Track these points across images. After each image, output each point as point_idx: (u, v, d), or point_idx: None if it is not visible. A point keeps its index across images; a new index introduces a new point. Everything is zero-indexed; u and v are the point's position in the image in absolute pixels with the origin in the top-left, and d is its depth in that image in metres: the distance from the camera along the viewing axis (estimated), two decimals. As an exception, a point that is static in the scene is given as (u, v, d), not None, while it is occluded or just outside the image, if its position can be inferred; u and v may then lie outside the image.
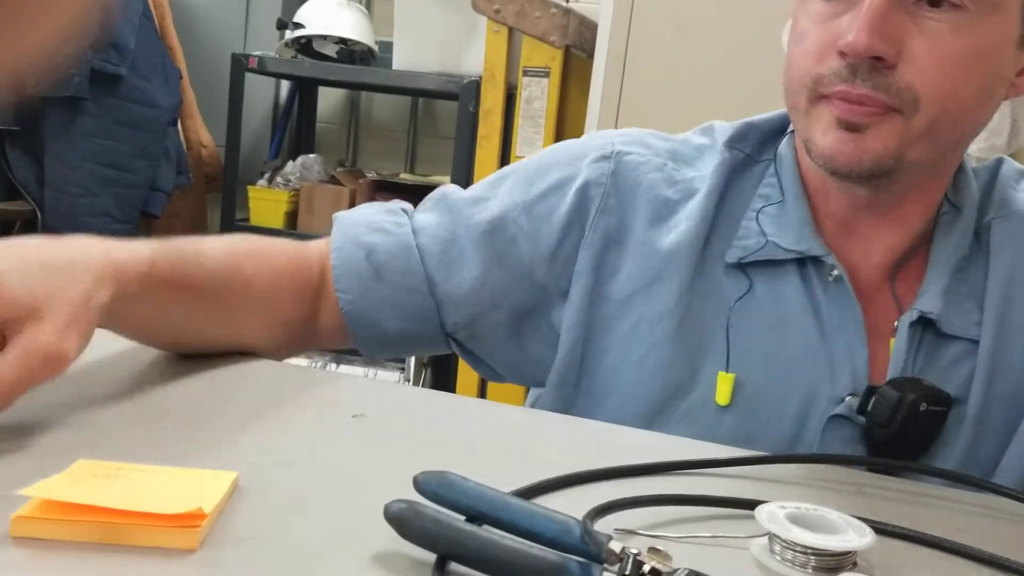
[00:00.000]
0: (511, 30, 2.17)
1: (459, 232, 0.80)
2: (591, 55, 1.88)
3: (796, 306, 0.75)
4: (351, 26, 2.67)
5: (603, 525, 0.47)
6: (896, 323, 0.74)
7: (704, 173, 0.79)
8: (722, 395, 0.73)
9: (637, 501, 0.52)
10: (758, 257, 0.76)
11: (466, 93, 2.37)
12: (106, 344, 0.78)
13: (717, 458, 0.62)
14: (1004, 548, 0.52)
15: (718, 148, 0.81)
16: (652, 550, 0.41)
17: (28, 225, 2.55)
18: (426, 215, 0.83)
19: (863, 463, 0.69)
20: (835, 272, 0.74)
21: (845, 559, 0.48)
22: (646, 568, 0.40)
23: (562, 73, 2.11)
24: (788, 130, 0.81)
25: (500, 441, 0.65)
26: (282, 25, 2.71)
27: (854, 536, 0.48)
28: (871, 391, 0.71)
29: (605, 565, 0.41)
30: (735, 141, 0.81)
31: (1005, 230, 0.77)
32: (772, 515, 0.49)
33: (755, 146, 0.82)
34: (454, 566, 0.43)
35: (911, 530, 0.54)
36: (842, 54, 0.68)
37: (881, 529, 0.52)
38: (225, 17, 2.98)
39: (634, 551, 0.41)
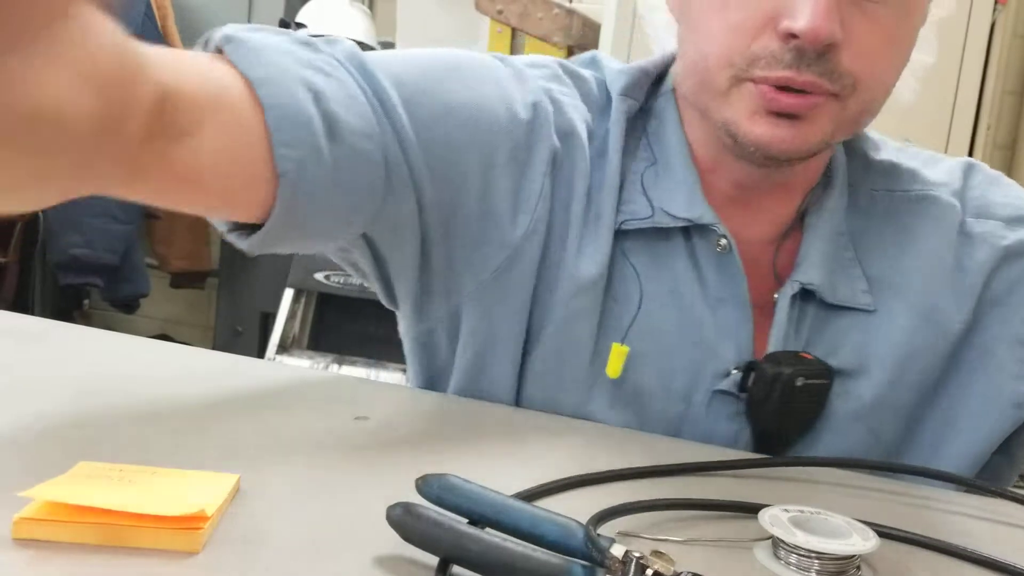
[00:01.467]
0: (514, 31, 2.17)
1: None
2: (594, 56, 1.88)
3: (683, 276, 0.71)
4: (353, 26, 2.67)
5: (606, 528, 0.47)
6: (776, 295, 0.71)
7: (608, 126, 0.73)
8: (613, 368, 0.70)
9: (640, 505, 0.51)
10: (646, 225, 0.71)
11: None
12: (107, 344, 0.79)
13: (720, 460, 0.62)
14: (1008, 552, 0.52)
15: (614, 93, 0.74)
16: (655, 553, 0.41)
17: (29, 225, 2.55)
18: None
19: (867, 466, 0.68)
20: (723, 242, 0.71)
21: (849, 563, 0.47)
22: (649, 572, 0.40)
23: (565, 74, 2.11)
24: (667, 82, 0.76)
25: (503, 443, 0.65)
26: (284, 25, 2.71)
27: (858, 540, 0.47)
28: (751, 367, 0.70)
29: (608, 569, 0.41)
30: (631, 89, 0.74)
31: (887, 198, 0.76)
32: (776, 519, 0.49)
33: (645, 97, 0.75)
34: (456, 569, 0.43)
35: (915, 534, 0.54)
36: (789, 36, 0.62)
37: (885, 533, 0.52)
38: (227, 17, 2.95)
39: (637, 555, 0.40)
